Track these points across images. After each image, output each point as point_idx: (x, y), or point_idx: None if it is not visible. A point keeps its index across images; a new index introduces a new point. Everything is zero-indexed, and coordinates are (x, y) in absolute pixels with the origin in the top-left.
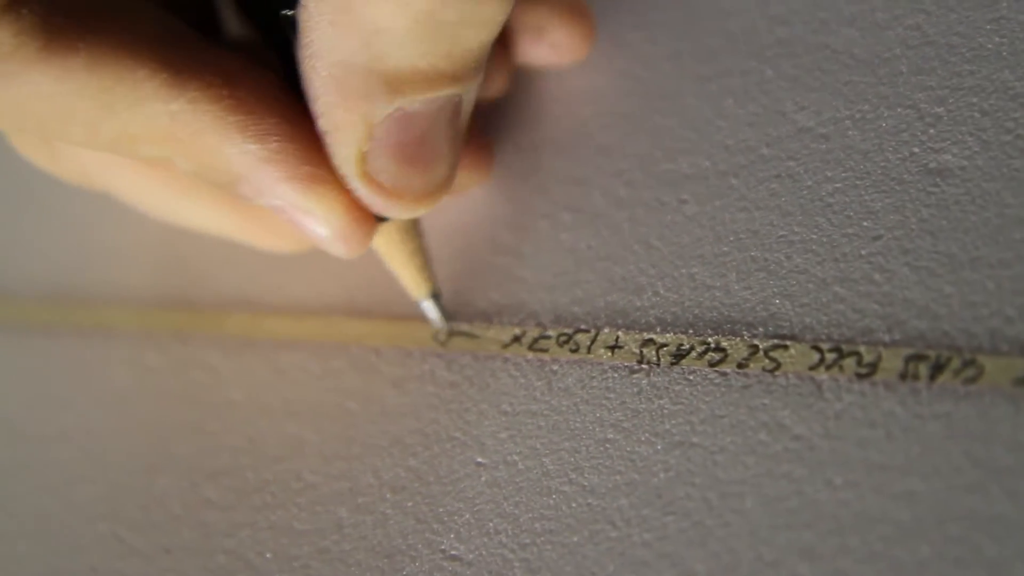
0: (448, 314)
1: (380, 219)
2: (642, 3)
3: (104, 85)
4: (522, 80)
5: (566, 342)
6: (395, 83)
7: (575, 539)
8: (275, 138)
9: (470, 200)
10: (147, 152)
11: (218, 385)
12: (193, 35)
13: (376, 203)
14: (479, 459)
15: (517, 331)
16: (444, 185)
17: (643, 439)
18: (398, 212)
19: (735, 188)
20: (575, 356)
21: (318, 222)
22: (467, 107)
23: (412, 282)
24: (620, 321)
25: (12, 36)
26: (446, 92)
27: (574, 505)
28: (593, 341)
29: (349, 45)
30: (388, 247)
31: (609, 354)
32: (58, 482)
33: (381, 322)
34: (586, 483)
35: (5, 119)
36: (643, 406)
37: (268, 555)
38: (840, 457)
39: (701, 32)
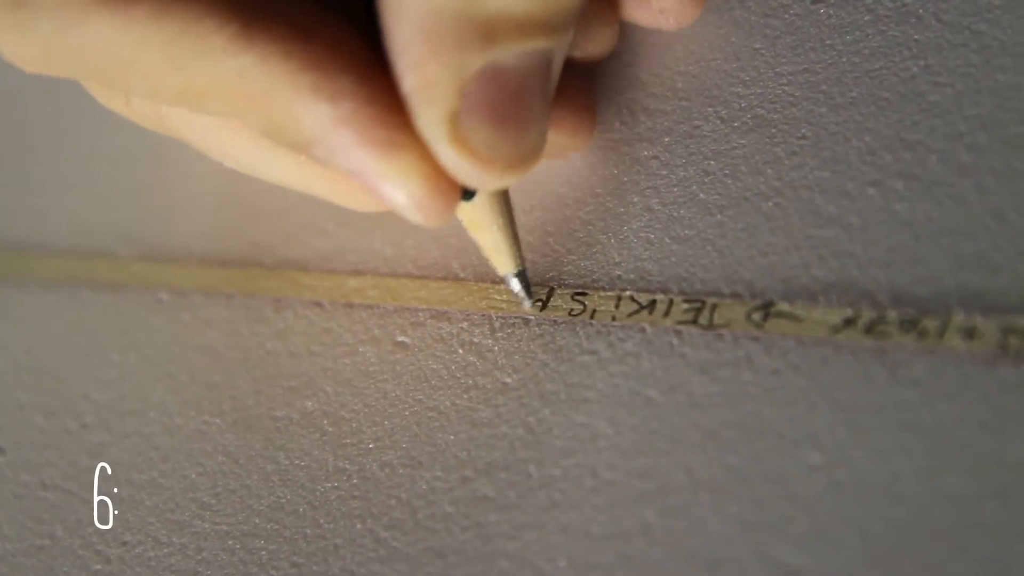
0: (530, 292)
1: (465, 191)
2: None
3: (168, 36)
4: (832, 33)
5: (911, 327)
6: (489, 32)
7: (939, 553)
8: (350, 99)
9: (778, 161)
10: (214, 108)
11: (487, 366)
12: None
13: (465, 169)
14: (814, 458)
15: (849, 313)
16: (535, 152)
17: (1015, 441)
18: (487, 180)
19: None
20: (922, 344)
21: (396, 189)
22: (556, 68)
23: (501, 256)
24: (975, 304)
25: None
26: (539, 44)
27: (935, 515)
28: (945, 327)
29: None
30: (475, 218)
31: (965, 342)
32: (301, 474)
33: (678, 299)
34: (947, 489)
35: (67, 67)
36: (1012, 403)
37: (561, 562)
38: None
39: None
